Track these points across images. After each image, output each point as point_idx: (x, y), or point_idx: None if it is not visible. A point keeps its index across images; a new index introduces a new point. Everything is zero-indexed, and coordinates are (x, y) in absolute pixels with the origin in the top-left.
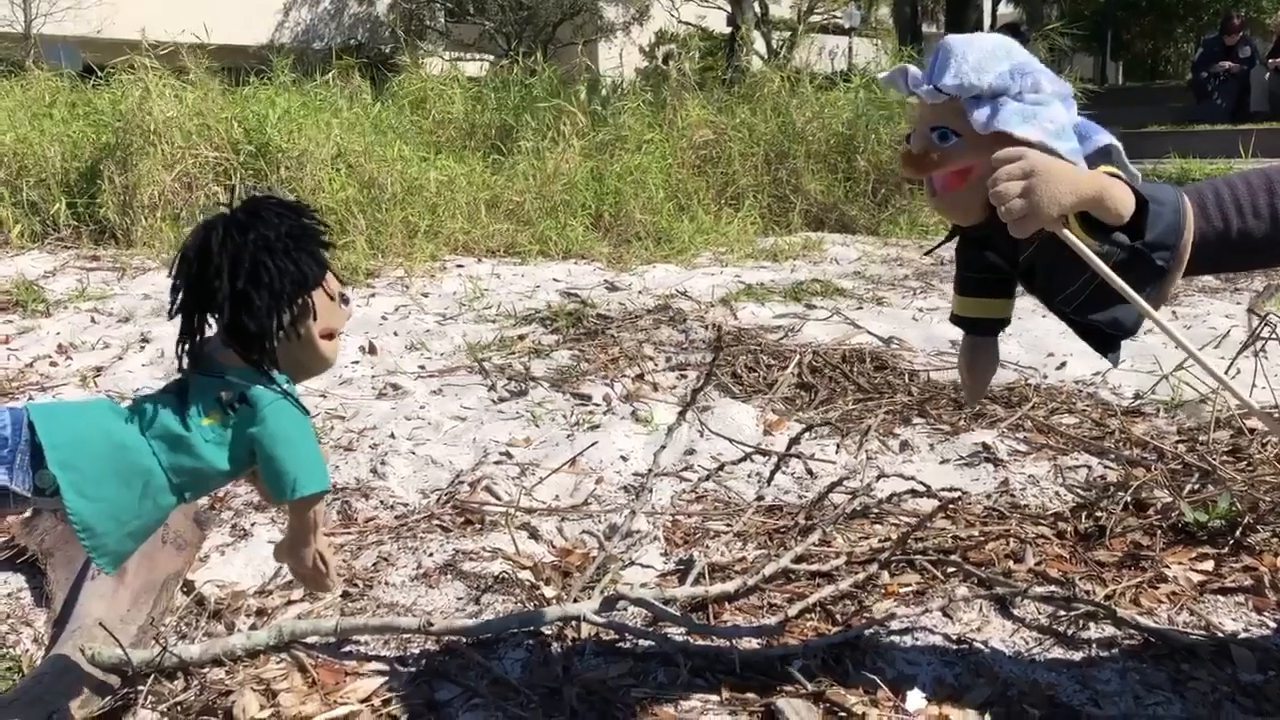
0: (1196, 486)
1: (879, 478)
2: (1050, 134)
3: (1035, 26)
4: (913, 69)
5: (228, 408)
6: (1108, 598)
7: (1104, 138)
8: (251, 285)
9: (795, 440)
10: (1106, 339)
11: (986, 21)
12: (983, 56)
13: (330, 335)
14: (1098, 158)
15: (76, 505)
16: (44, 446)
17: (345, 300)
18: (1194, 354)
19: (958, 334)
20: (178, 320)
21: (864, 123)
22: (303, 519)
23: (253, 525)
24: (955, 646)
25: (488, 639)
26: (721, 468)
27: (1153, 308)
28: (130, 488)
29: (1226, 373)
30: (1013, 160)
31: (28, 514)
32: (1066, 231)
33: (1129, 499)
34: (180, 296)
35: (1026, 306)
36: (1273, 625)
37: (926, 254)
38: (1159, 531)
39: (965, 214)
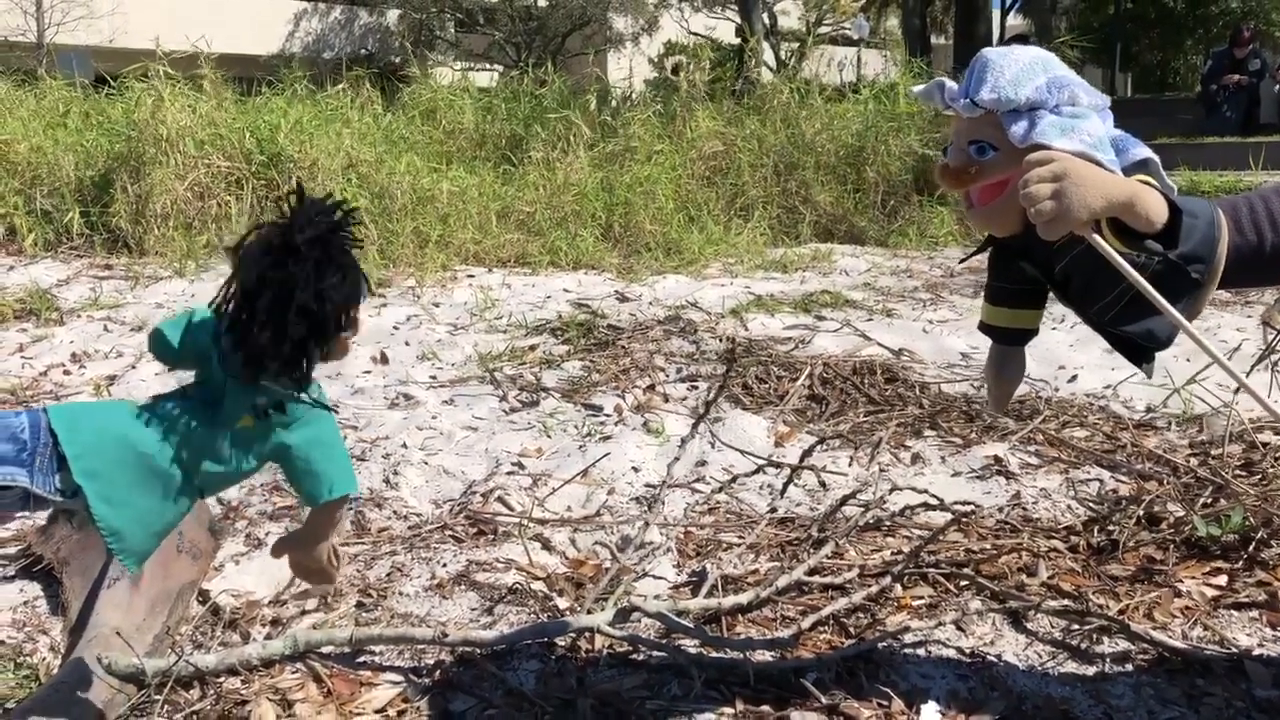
0: (1209, 500)
1: (891, 490)
2: (1089, 145)
3: (1044, 38)
4: (949, 82)
5: (262, 413)
6: (1121, 612)
7: (1141, 151)
8: (306, 320)
9: (808, 453)
10: (1140, 350)
11: (995, 33)
12: (1020, 70)
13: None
14: (1134, 170)
15: (104, 513)
16: (67, 457)
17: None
18: (1224, 364)
19: (968, 347)
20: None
21: (873, 134)
22: (328, 518)
23: (267, 534)
24: (968, 660)
25: (502, 650)
26: (734, 480)
27: (1187, 321)
28: (153, 492)
29: (1236, 391)
30: (1045, 163)
31: (44, 523)
32: (1097, 236)
33: (1141, 513)
34: (235, 312)
35: None
36: None
37: (962, 262)
38: (1172, 546)
39: (1002, 225)
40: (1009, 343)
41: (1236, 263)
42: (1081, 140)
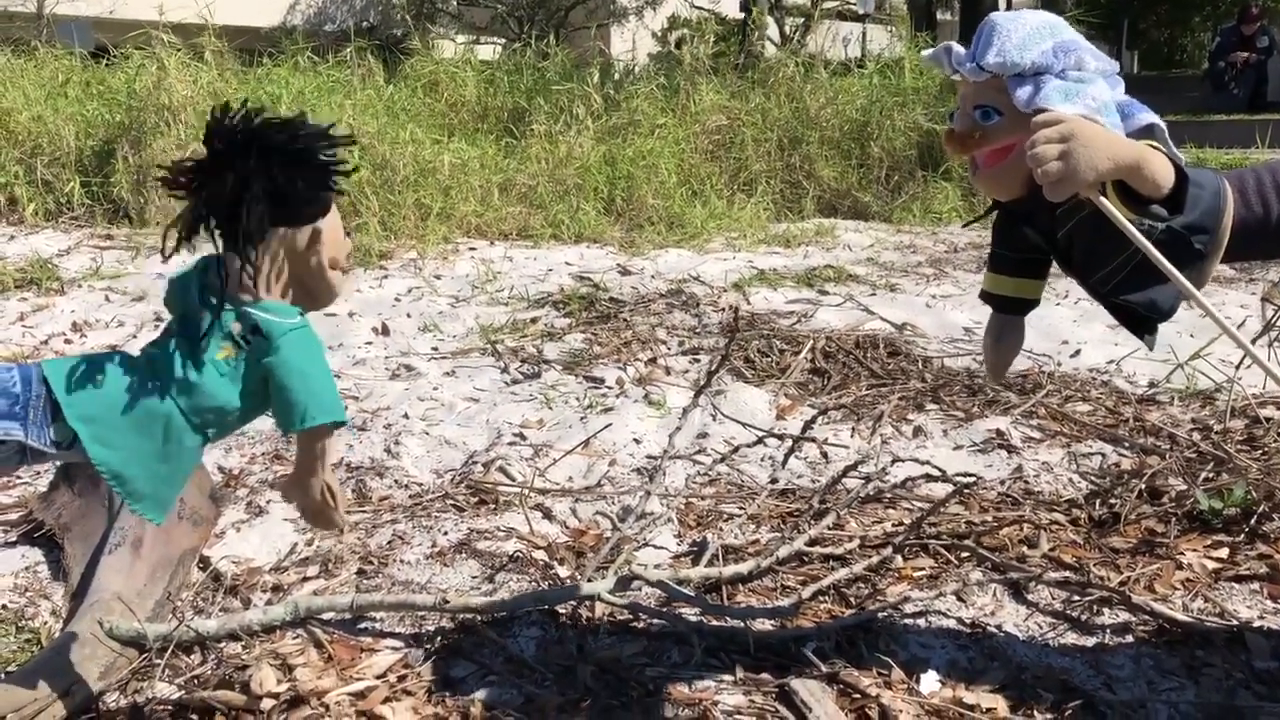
0: (1211, 474)
1: (893, 462)
2: (1093, 110)
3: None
4: (957, 46)
5: (241, 340)
6: (1122, 584)
7: (1148, 116)
8: (269, 193)
9: (809, 424)
10: (1142, 321)
11: (1001, 7)
12: (1026, 34)
13: (335, 266)
14: (1140, 135)
15: (100, 455)
16: (60, 402)
17: (348, 234)
18: (1229, 330)
19: (970, 321)
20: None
21: (878, 109)
22: (310, 450)
23: (268, 503)
24: (969, 630)
25: (503, 617)
26: (736, 450)
27: (1200, 285)
28: (150, 434)
29: (1240, 364)
30: (1052, 124)
31: (45, 489)
32: (1103, 200)
33: (1143, 486)
34: (198, 193)
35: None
36: None
37: (966, 225)
38: (1173, 519)
39: (1007, 189)
40: (1010, 312)
41: (1242, 234)
42: (1086, 105)
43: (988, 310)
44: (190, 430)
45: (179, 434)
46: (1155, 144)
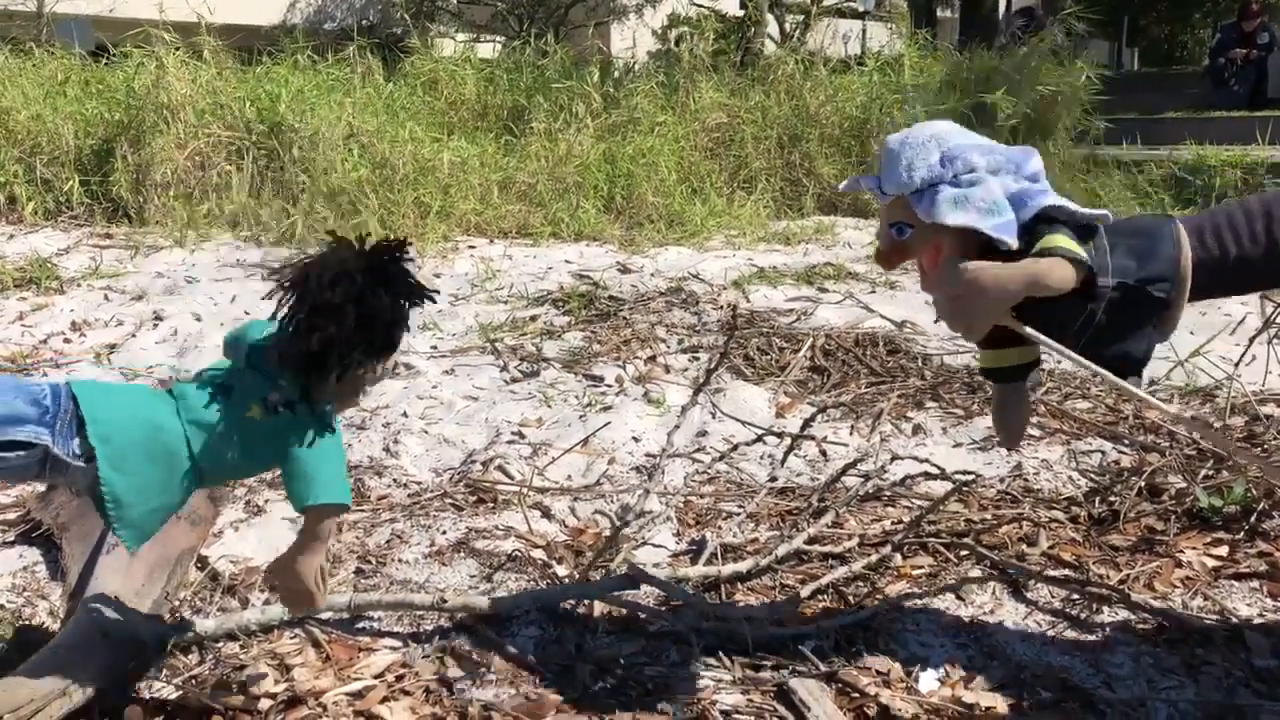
0: (1211, 472)
1: (892, 460)
2: (982, 213)
3: (1051, 11)
4: (866, 177)
5: (272, 408)
6: (1121, 582)
7: (1044, 200)
8: (359, 334)
9: (809, 422)
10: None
11: (1001, 5)
12: (914, 154)
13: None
14: (1040, 221)
15: (110, 477)
16: (85, 419)
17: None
18: (1122, 385)
19: None
20: (274, 325)
21: (878, 107)
22: (313, 530)
23: (266, 502)
24: (968, 629)
25: (500, 616)
26: (735, 448)
27: (1161, 335)
28: (159, 466)
29: (1240, 360)
30: (941, 296)
31: (43, 488)
32: (1011, 321)
33: (1143, 484)
34: (292, 311)
35: None
36: None
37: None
38: (1173, 517)
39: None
40: (1017, 379)
41: (1203, 275)
42: (975, 209)
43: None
44: (191, 470)
45: (183, 473)
46: (1055, 237)
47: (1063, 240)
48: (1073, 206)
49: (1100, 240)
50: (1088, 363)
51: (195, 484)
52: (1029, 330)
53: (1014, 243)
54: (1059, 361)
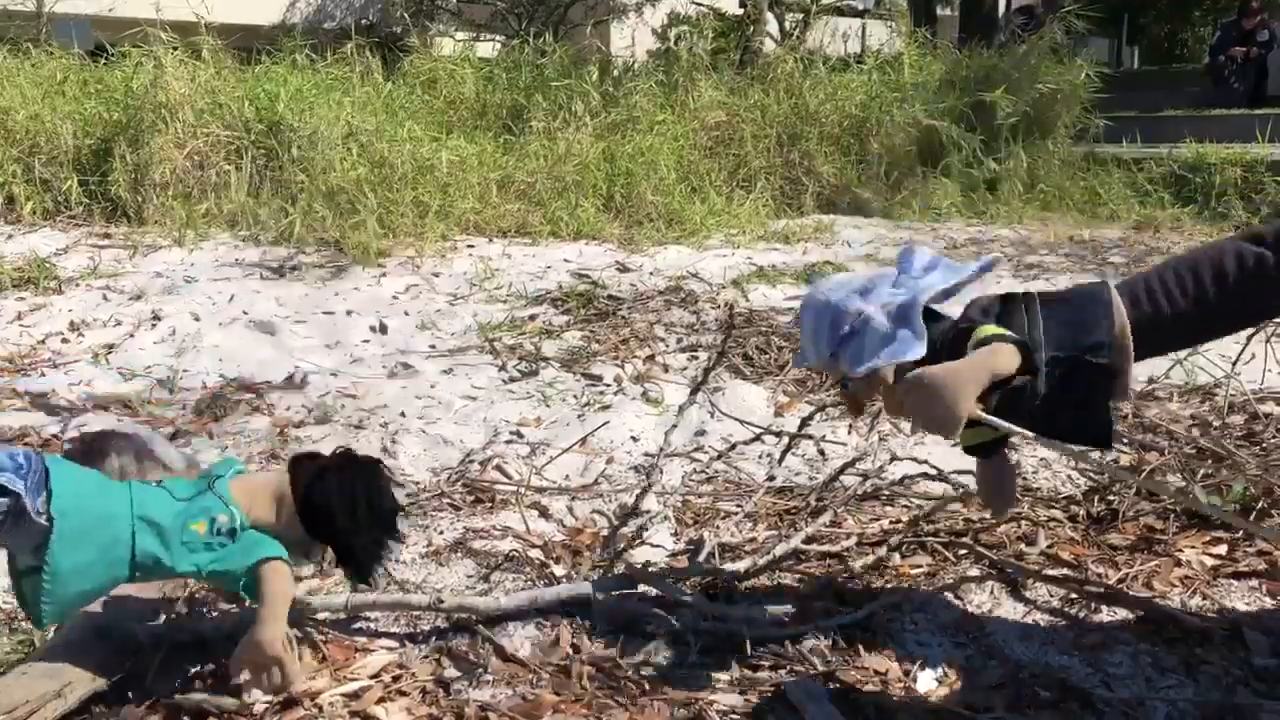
0: (1210, 471)
1: (891, 460)
2: (888, 356)
3: (1050, 9)
4: (796, 356)
5: (215, 531)
6: (1120, 581)
7: (929, 292)
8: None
9: (807, 421)
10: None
11: (1001, 3)
12: (816, 326)
13: None
14: (974, 309)
15: (57, 550)
16: (52, 490)
17: None
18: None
19: None
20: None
21: (877, 105)
22: (274, 586)
23: None
24: (966, 628)
25: (497, 616)
26: (733, 448)
27: (1117, 399)
28: (102, 553)
29: (1239, 358)
30: (892, 401)
31: None
32: (977, 414)
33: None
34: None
35: (1039, 290)
36: None
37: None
38: (1172, 515)
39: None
40: (991, 453)
41: (1144, 335)
42: (875, 350)
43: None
44: (125, 565)
45: (116, 564)
46: (989, 328)
47: (993, 329)
48: (955, 279)
49: (1034, 316)
50: (1053, 441)
51: (125, 577)
52: (991, 418)
53: (920, 353)
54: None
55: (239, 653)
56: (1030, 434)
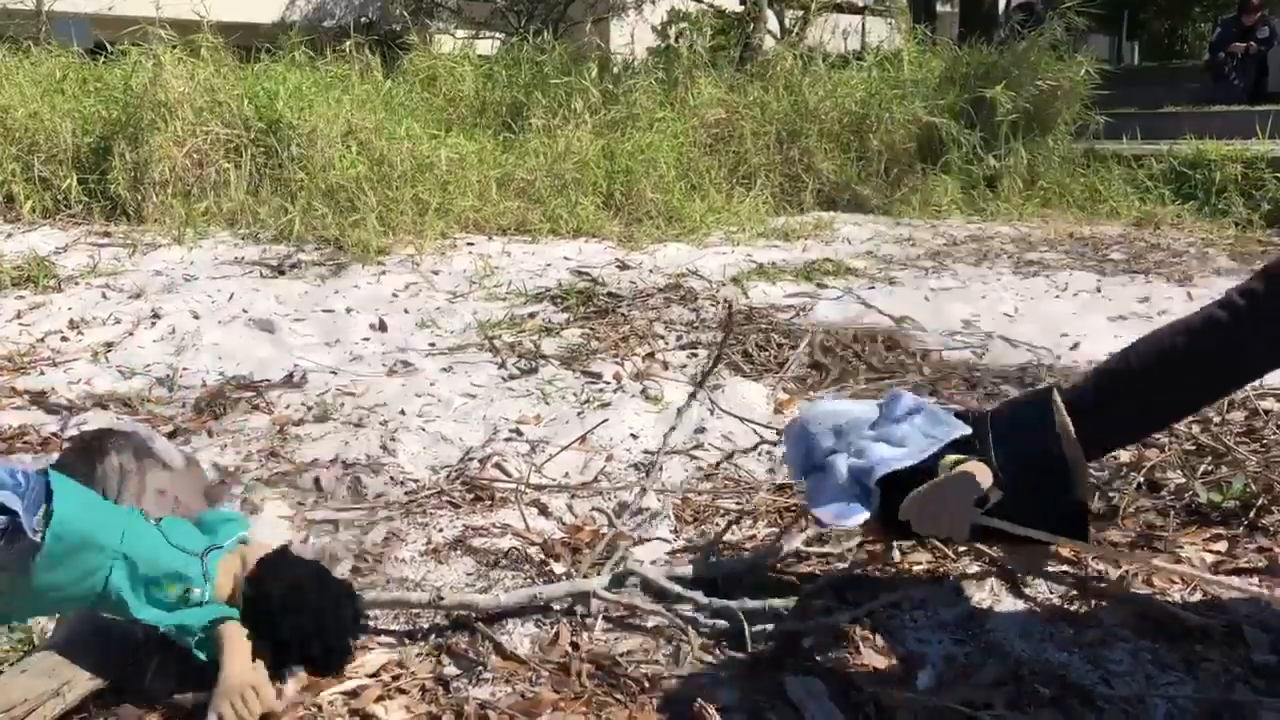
0: (1210, 467)
1: None
2: (834, 514)
3: (1050, 5)
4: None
5: (184, 596)
6: (1120, 578)
7: (889, 465)
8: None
9: None
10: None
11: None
12: (794, 450)
13: None
14: (949, 446)
15: (38, 567)
16: (53, 511)
17: None
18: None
19: (969, 314)
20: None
21: (877, 102)
22: (234, 637)
23: (262, 500)
24: (966, 625)
25: (497, 614)
26: (730, 456)
27: (1077, 491)
28: (77, 577)
29: None
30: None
31: None
32: (986, 522)
33: (1142, 479)
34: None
35: (1039, 287)
36: None
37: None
38: (1172, 512)
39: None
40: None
41: (1098, 426)
42: (829, 509)
43: (986, 302)
44: (95, 596)
45: (87, 593)
46: (956, 457)
47: (956, 455)
48: (921, 450)
49: (985, 434)
50: (1040, 534)
51: (88, 605)
52: (1000, 523)
53: (861, 520)
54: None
55: (216, 693)
56: (1019, 529)
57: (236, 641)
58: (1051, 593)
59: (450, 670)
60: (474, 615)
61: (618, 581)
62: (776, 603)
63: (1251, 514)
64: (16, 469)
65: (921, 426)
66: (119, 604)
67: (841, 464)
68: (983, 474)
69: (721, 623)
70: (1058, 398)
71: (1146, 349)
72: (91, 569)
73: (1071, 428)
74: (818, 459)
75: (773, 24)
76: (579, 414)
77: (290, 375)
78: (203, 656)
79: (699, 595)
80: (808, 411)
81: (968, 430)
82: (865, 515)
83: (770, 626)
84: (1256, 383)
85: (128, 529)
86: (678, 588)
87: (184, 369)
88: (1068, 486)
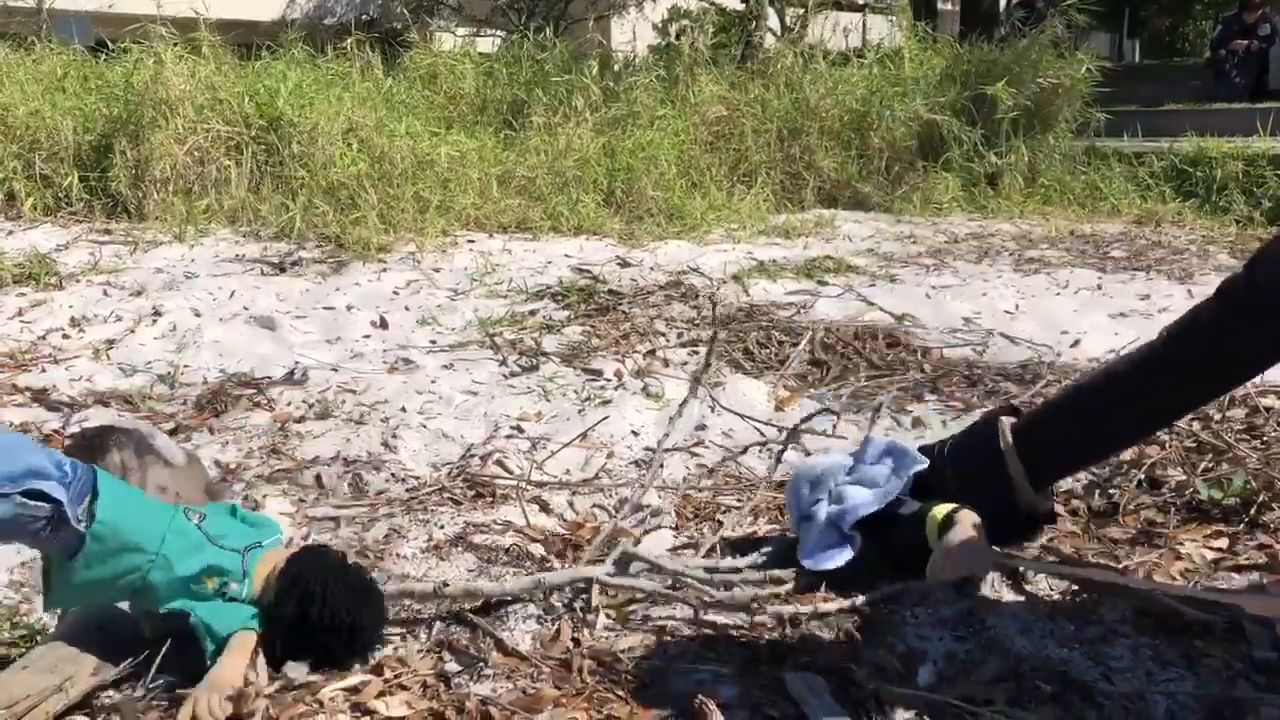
0: (1211, 464)
1: None
2: (818, 561)
3: (1051, 3)
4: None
5: (222, 589)
6: (1120, 574)
7: (863, 508)
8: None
9: (809, 418)
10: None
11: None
12: (789, 501)
13: None
14: (912, 483)
15: (81, 564)
16: (97, 511)
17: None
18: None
19: (970, 312)
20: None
21: (878, 99)
22: (241, 648)
23: (264, 497)
24: (966, 621)
25: (498, 610)
26: (734, 455)
27: (1027, 511)
28: (117, 574)
29: None
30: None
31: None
32: (1004, 561)
33: (1142, 476)
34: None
35: (1040, 284)
36: None
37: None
38: (1173, 509)
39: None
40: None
41: (1050, 450)
42: (815, 558)
43: (987, 300)
44: (138, 591)
45: (126, 588)
46: (947, 505)
47: (944, 507)
48: (888, 490)
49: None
50: (1034, 563)
51: (122, 599)
52: (1018, 558)
53: (840, 563)
54: None
55: (199, 686)
56: (1021, 559)
57: (239, 649)
58: (1052, 589)
59: (451, 666)
60: (474, 612)
61: (619, 567)
62: (776, 599)
63: (1252, 511)
64: (64, 459)
65: (891, 465)
66: (153, 601)
67: (821, 512)
68: (976, 519)
69: (722, 618)
70: (1006, 427)
71: (1094, 379)
72: (131, 569)
73: (1015, 447)
74: (804, 509)
75: (774, 21)
76: (580, 411)
77: (291, 372)
78: (209, 657)
79: (699, 592)
80: (799, 465)
81: (925, 463)
82: (847, 557)
83: (770, 622)
84: (1258, 379)
85: (169, 531)
86: (678, 583)
87: (185, 366)
88: (1017, 501)
